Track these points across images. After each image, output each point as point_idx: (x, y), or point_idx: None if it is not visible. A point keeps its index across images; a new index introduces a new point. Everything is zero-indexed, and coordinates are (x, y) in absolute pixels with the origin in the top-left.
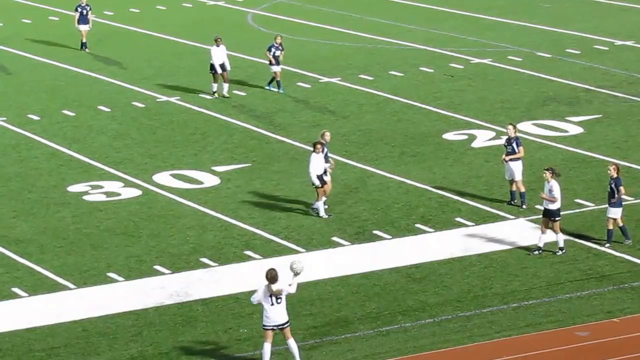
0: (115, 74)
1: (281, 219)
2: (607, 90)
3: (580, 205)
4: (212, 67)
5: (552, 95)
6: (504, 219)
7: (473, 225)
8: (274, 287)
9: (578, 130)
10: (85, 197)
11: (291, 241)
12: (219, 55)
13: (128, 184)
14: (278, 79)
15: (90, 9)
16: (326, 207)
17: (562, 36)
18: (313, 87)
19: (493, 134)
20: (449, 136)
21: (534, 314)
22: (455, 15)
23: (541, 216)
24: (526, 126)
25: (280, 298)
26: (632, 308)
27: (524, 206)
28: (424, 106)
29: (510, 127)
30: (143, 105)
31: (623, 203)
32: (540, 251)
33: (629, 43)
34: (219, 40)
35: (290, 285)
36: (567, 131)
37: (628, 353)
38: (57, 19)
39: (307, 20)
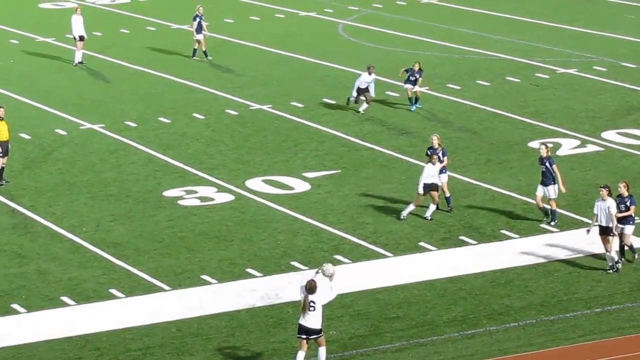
0: (210, 82)
1: (369, 224)
2: None
3: None
4: (359, 90)
5: (636, 104)
6: (588, 225)
7: (557, 232)
8: (310, 296)
9: None
10: (180, 202)
11: (379, 246)
12: (366, 81)
13: (221, 189)
14: (410, 96)
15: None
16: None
17: None
18: (402, 95)
19: (578, 142)
20: (535, 144)
21: (617, 318)
22: (541, 25)
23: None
24: (610, 135)
25: (313, 306)
26: None
27: (553, 222)
28: (510, 115)
29: (543, 147)
30: (236, 113)
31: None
32: (616, 269)
33: None
34: (371, 68)
35: (331, 289)
36: None
37: None
38: (154, 29)
39: (395, 30)
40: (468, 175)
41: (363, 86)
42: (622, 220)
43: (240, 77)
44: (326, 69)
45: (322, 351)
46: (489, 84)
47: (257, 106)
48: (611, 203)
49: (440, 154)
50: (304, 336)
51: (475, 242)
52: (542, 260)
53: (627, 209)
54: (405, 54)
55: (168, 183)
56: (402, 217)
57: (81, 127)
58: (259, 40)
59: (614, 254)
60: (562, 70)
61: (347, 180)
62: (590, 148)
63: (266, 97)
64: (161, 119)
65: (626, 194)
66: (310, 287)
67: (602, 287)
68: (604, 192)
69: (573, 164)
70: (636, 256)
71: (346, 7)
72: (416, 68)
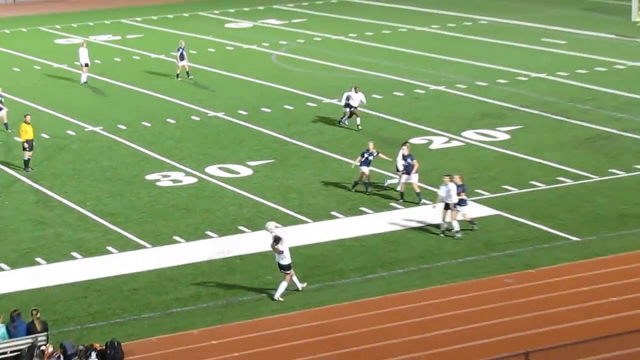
0: (180, 96)
1: (295, 199)
2: (526, 108)
3: (506, 190)
4: (348, 105)
5: (487, 112)
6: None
7: (430, 203)
8: (278, 246)
9: (505, 136)
10: (158, 183)
11: (302, 214)
12: (356, 99)
13: (188, 174)
14: (348, 116)
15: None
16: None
17: (494, 70)
18: (318, 105)
19: (446, 139)
20: (415, 140)
21: (475, 266)
22: (418, 55)
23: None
24: (469, 134)
25: (282, 251)
26: (545, 262)
27: (421, 201)
28: (396, 119)
29: (405, 147)
30: (198, 119)
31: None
32: (444, 233)
33: (541, 75)
34: (357, 88)
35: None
36: (497, 137)
37: (541, 294)
38: (138, 58)
39: (314, 58)
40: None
41: (355, 104)
42: (461, 204)
43: (201, 93)
44: (264, 87)
45: (283, 285)
46: (381, 97)
47: (213, 113)
48: (452, 186)
49: (375, 154)
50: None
51: (372, 212)
52: (420, 225)
53: (459, 194)
54: (321, 75)
55: (149, 169)
56: (398, 190)
57: (85, 129)
58: (215, 65)
59: (455, 224)
60: (434, 87)
61: (279, 167)
62: (454, 144)
63: (220, 107)
64: (144, 123)
65: (460, 183)
66: (275, 239)
67: (463, 244)
68: (446, 178)
69: (442, 156)
70: (475, 227)
71: (278, 41)
72: (356, 92)
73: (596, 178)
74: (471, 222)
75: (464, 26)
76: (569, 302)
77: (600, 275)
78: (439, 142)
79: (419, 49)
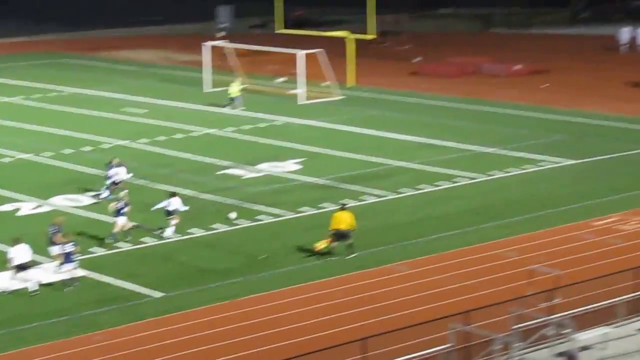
0: None
1: None
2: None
3: (92, 252)
4: (115, 183)
5: (74, 177)
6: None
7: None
8: None
9: (92, 201)
10: None
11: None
12: (122, 173)
13: None
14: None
15: None
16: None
17: (79, 138)
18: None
19: (35, 205)
20: (2, 208)
21: (65, 325)
22: (5, 125)
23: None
24: (58, 199)
25: None
26: (128, 319)
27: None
28: None
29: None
30: None
31: None
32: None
33: (125, 142)
34: (122, 163)
35: None
36: (83, 202)
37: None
38: None
39: None
40: None
41: (118, 180)
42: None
43: None
44: None
45: None
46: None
47: None
48: (17, 249)
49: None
50: None
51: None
52: (5, 291)
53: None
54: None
55: None
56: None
57: None
58: None
59: (30, 284)
60: (21, 156)
61: None
62: (44, 209)
63: None
64: None
65: (63, 240)
66: None
67: (51, 306)
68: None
69: (32, 220)
70: (36, 292)
71: None
72: (115, 162)
73: (178, 237)
74: (66, 283)
75: (49, 97)
76: None
77: (182, 328)
78: (27, 208)
79: (6, 118)
